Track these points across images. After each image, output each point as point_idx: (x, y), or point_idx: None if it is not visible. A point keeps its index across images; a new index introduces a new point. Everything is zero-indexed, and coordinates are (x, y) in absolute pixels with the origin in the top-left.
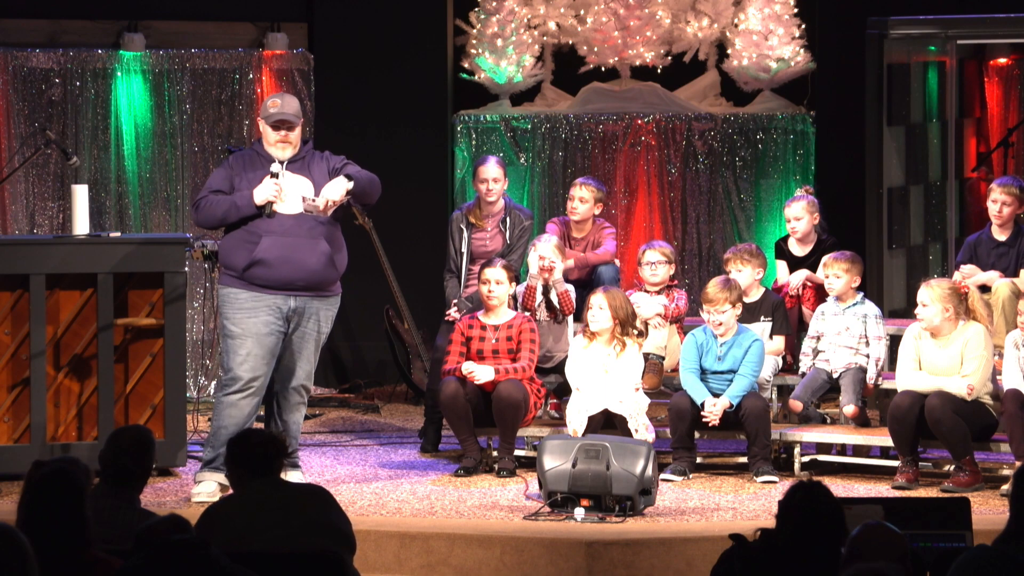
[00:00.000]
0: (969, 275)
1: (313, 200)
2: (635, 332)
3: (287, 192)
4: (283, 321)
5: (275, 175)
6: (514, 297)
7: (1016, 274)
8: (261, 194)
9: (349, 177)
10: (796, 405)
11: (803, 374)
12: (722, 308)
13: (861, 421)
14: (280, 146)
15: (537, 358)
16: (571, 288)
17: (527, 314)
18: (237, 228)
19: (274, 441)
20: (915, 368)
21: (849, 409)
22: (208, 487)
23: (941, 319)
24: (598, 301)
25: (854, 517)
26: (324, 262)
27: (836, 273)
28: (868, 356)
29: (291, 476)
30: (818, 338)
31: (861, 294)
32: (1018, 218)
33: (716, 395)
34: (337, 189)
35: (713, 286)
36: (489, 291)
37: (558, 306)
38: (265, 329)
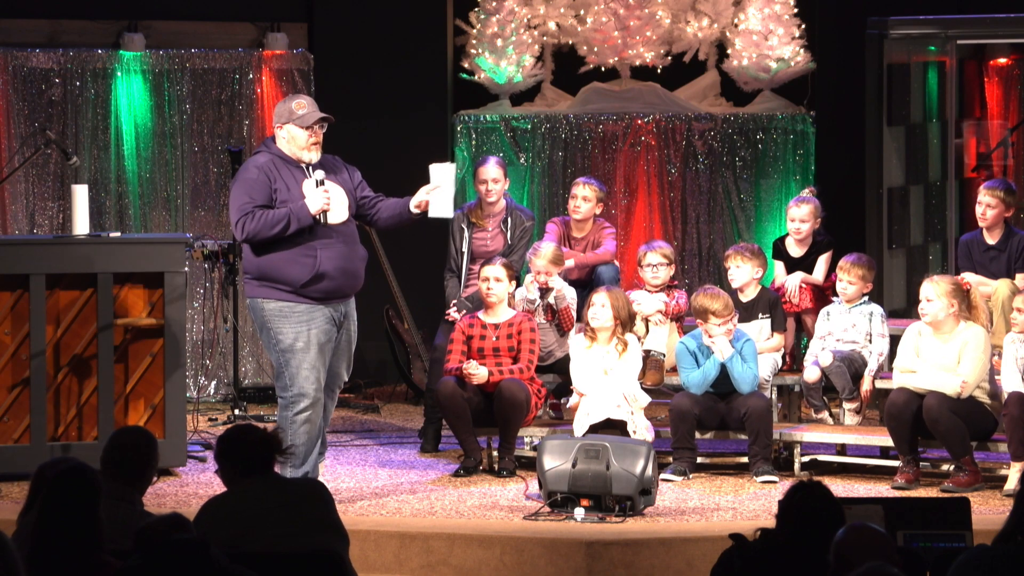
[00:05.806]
0: (975, 284)
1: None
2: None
3: (331, 199)
4: (336, 328)
5: (320, 182)
6: (514, 296)
7: (1012, 277)
8: (315, 204)
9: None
10: (813, 372)
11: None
12: (729, 318)
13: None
14: (314, 148)
15: (537, 359)
16: (574, 300)
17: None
18: (285, 242)
19: (269, 440)
20: (913, 361)
21: (827, 357)
22: None
23: (946, 314)
24: (600, 299)
25: (854, 517)
26: (364, 267)
27: (851, 279)
28: (871, 352)
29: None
30: (825, 339)
31: (867, 297)
32: (1007, 221)
33: (716, 396)
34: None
35: (715, 301)
36: (488, 288)
37: (556, 309)
38: (324, 338)
